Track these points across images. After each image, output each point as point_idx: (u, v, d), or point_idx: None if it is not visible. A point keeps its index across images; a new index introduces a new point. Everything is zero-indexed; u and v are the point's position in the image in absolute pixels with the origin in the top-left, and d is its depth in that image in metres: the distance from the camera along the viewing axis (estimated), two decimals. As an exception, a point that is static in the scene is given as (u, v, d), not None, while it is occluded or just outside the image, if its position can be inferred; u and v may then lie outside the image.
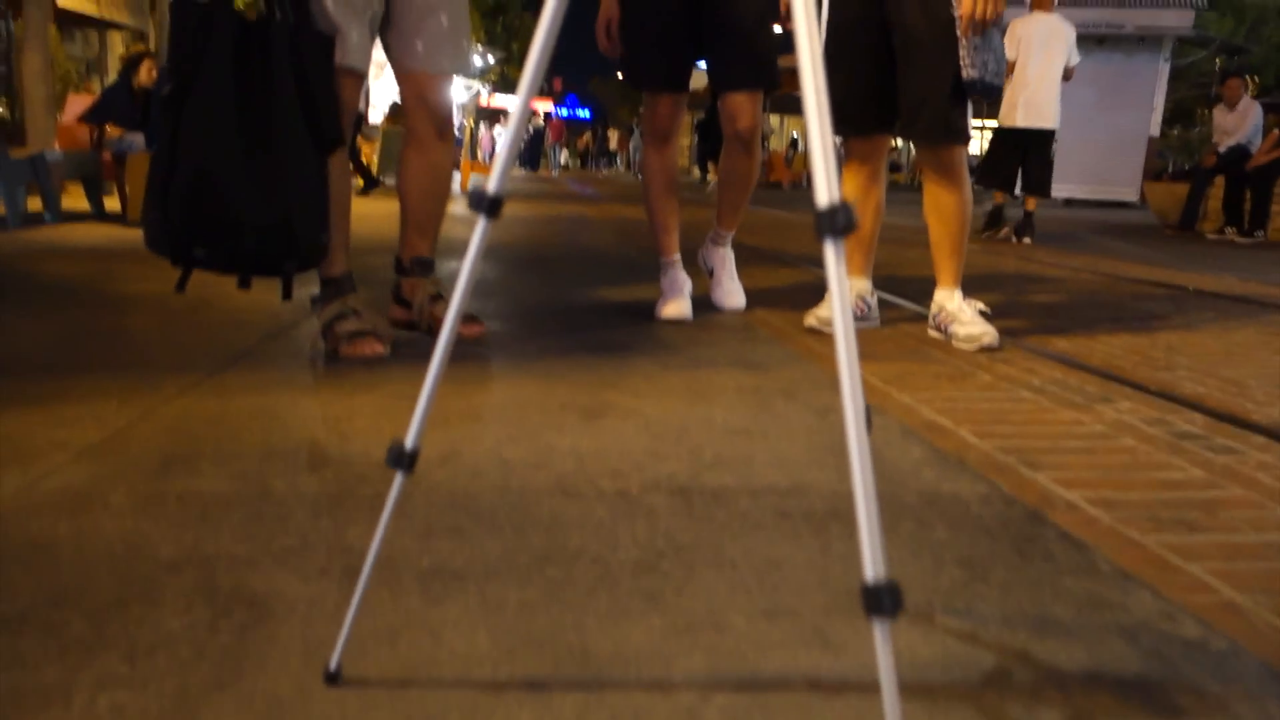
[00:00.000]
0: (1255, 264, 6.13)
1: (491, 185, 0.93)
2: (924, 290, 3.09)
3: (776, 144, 29.24)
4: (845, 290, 0.72)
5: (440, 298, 2.57)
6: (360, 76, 2.37)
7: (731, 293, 3.21)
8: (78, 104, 7.60)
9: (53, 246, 4.79)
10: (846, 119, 2.85)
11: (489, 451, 1.67)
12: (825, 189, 0.74)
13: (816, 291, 3.33)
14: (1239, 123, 8.90)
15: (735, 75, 2.96)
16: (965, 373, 2.44)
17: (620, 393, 2.11)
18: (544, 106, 40.54)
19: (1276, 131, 8.42)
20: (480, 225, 0.92)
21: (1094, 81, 14.25)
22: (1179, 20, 14.21)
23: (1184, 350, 2.84)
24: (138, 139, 6.80)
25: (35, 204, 6.40)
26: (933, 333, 2.90)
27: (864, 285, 3.02)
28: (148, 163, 6.32)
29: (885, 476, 1.58)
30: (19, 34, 9.97)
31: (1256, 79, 10.22)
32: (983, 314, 2.84)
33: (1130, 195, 14.02)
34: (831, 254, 0.73)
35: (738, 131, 3.02)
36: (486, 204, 0.92)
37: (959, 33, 2.59)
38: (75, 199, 7.12)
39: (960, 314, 2.80)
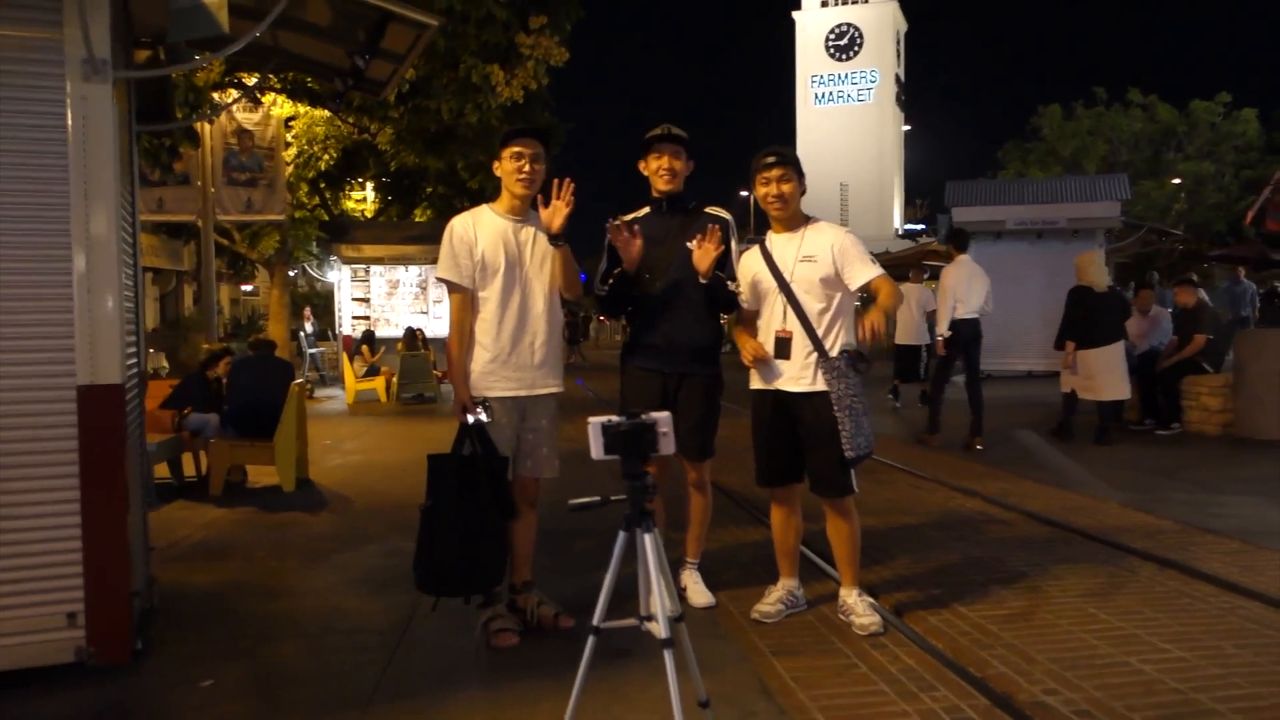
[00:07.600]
0: (1155, 468, 7.40)
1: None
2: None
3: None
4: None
5: (544, 603, 4.09)
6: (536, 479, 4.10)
7: (700, 593, 4.33)
8: (157, 391, 9.01)
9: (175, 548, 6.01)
10: (772, 475, 4.13)
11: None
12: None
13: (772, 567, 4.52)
14: (1150, 328, 10.32)
15: (689, 450, 4.17)
16: (849, 665, 3.63)
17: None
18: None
19: (1174, 339, 9.84)
20: None
21: (1043, 268, 15.89)
22: (1106, 211, 15.99)
23: (1022, 630, 4.03)
24: (212, 419, 8.18)
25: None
26: (841, 616, 4.10)
27: (793, 583, 4.25)
28: (227, 450, 7.54)
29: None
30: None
31: (1157, 283, 11.71)
32: (872, 605, 4.07)
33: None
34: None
35: (691, 481, 4.30)
36: None
37: (838, 417, 3.88)
38: (157, 469, 8.38)
39: (856, 608, 4.02)
